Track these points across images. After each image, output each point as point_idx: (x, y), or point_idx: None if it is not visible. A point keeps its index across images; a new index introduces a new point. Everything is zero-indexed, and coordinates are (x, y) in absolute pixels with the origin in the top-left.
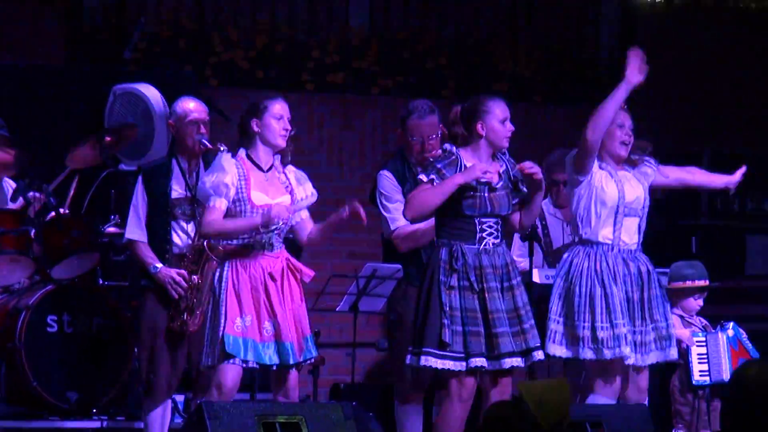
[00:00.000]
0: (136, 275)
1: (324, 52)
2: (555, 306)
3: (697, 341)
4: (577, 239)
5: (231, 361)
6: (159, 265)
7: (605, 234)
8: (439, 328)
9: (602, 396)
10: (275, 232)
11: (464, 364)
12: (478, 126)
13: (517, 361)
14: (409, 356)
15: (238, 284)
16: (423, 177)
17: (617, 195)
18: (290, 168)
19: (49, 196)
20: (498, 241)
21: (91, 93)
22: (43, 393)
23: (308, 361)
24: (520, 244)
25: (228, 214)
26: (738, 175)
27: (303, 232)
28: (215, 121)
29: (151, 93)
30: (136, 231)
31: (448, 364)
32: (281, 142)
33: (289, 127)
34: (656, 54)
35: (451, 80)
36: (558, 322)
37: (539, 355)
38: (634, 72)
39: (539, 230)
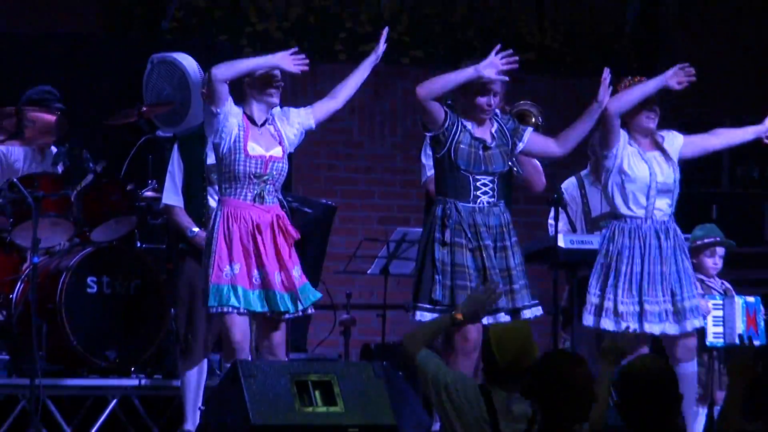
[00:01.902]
0: (173, 239)
1: (356, 23)
2: (592, 279)
3: (714, 304)
4: (610, 214)
5: (227, 309)
6: (196, 229)
7: (637, 209)
8: (431, 284)
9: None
10: (269, 184)
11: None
12: (461, 94)
13: (504, 319)
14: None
15: (229, 233)
16: None
17: (648, 174)
18: (276, 111)
19: (88, 161)
20: (494, 200)
21: (130, 62)
22: (83, 352)
23: (308, 309)
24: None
25: (222, 161)
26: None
27: (325, 112)
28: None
29: (187, 62)
30: (172, 196)
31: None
32: (274, 100)
33: (282, 84)
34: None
35: (478, 51)
36: (594, 295)
37: (528, 314)
38: (674, 79)
39: (579, 197)
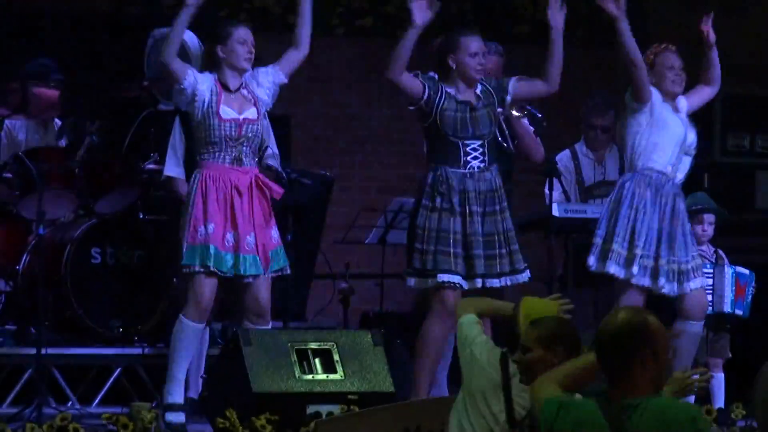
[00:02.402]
0: (175, 210)
1: None
2: (601, 224)
3: (705, 272)
4: (637, 167)
5: (197, 268)
6: None
7: (665, 165)
8: (412, 251)
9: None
10: (245, 146)
11: (431, 280)
12: (449, 60)
13: (493, 282)
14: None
15: (206, 194)
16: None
17: (682, 131)
18: (250, 72)
19: (92, 134)
20: (484, 165)
21: (132, 37)
22: (88, 321)
23: (277, 273)
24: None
25: (198, 128)
26: (708, 32)
27: (292, 62)
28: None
29: (188, 36)
30: (174, 168)
31: (422, 283)
32: (246, 65)
33: (253, 51)
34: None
35: (473, 24)
36: (600, 238)
37: (522, 278)
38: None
39: (573, 169)
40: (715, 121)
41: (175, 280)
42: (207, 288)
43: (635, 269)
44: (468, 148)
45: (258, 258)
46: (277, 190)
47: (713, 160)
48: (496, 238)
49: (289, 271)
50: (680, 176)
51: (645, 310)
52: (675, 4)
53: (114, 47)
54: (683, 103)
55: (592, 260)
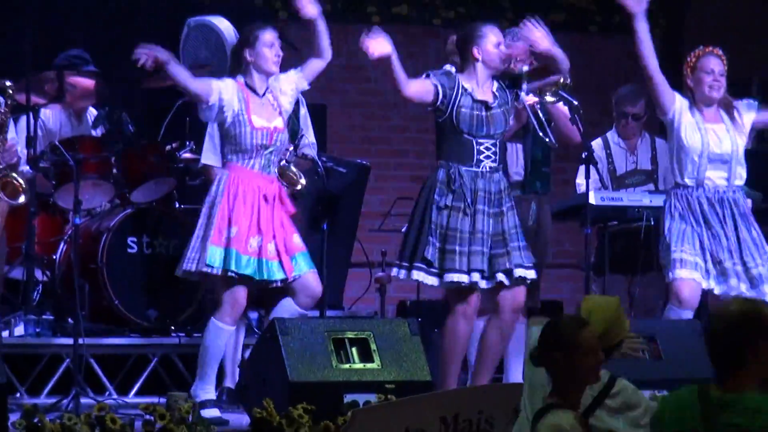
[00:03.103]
0: None
1: None
2: (674, 239)
3: None
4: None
5: (212, 270)
6: None
7: (688, 179)
8: (426, 245)
9: (677, 309)
10: (273, 154)
11: (472, 277)
12: (474, 50)
13: (501, 278)
14: (396, 269)
15: (233, 198)
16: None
17: (700, 145)
18: (271, 78)
19: (127, 124)
20: (495, 165)
21: (168, 26)
22: (124, 311)
23: (297, 278)
24: (584, 169)
25: (228, 134)
26: None
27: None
28: (284, 50)
29: (223, 25)
30: (211, 156)
31: (432, 281)
32: (274, 68)
33: (281, 53)
34: None
35: (509, 11)
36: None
37: (520, 273)
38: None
39: (605, 157)
40: None
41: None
42: (239, 293)
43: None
44: (481, 147)
45: (280, 263)
46: (290, 210)
47: (747, 148)
48: (503, 236)
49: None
50: (714, 184)
51: (759, 301)
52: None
53: (149, 36)
54: (749, 116)
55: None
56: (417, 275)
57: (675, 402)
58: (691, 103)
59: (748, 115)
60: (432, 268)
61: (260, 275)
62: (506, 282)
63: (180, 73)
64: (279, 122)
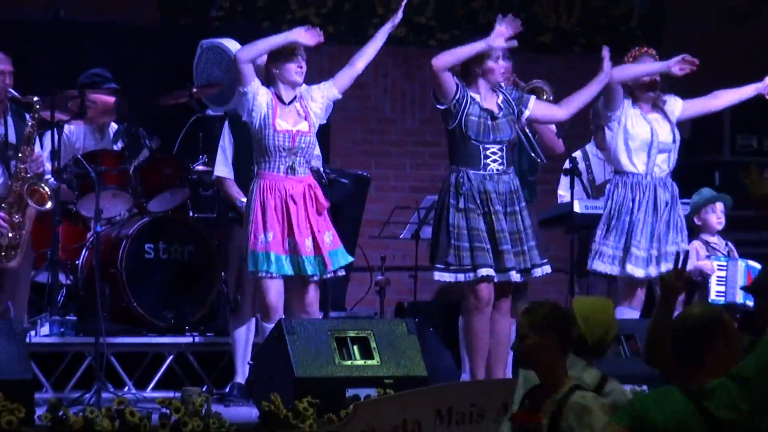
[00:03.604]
0: (223, 208)
1: (387, 9)
2: (599, 230)
3: (718, 265)
4: (614, 170)
5: (263, 274)
6: (244, 199)
7: (638, 165)
8: (447, 248)
9: (628, 308)
10: (299, 156)
11: (472, 274)
12: (475, 66)
13: (517, 277)
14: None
15: (264, 204)
16: None
17: (649, 133)
18: (302, 89)
19: (145, 138)
20: (503, 168)
21: (182, 47)
22: (142, 312)
23: (338, 271)
24: (566, 180)
25: (255, 137)
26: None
27: (347, 79)
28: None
29: (233, 46)
30: (223, 169)
31: (460, 278)
32: (298, 78)
33: (304, 67)
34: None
35: None
36: (599, 243)
37: (538, 272)
38: (677, 66)
39: (584, 168)
40: (724, 124)
41: (223, 274)
42: (273, 291)
43: (626, 266)
44: (488, 152)
45: (318, 258)
46: (324, 203)
47: (723, 160)
48: (518, 236)
49: (344, 273)
50: (660, 171)
51: (718, 306)
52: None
53: (165, 57)
54: (676, 104)
55: (590, 262)
56: (439, 276)
57: (661, 404)
58: (632, 100)
59: (676, 105)
60: (452, 267)
61: (300, 270)
62: (520, 280)
63: (266, 46)
64: (304, 126)
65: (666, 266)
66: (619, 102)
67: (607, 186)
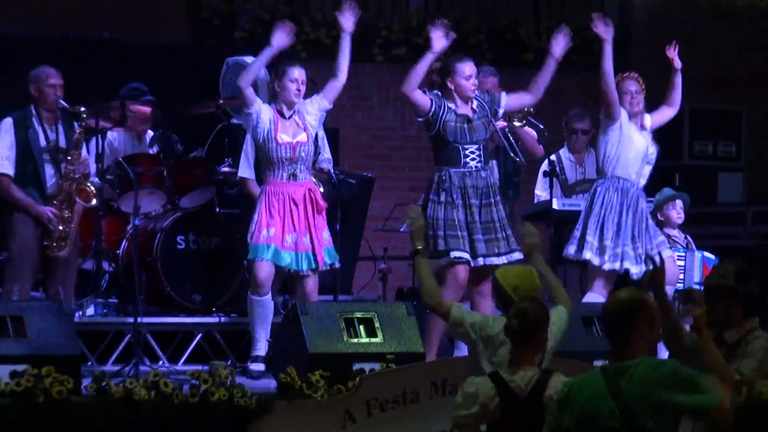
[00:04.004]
0: (246, 205)
1: (390, 31)
2: (579, 220)
3: (678, 255)
4: (606, 174)
5: (258, 258)
6: None
7: (630, 173)
8: (430, 238)
9: (598, 294)
10: (299, 163)
11: (451, 255)
12: (448, 81)
13: (491, 260)
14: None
15: (269, 204)
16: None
17: (645, 146)
18: (301, 102)
19: (176, 143)
20: (481, 165)
21: (210, 64)
22: (175, 296)
23: (330, 266)
24: (543, 180)
25: (261, 150)
26: (675, 60)
27: (333, 90)
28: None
29: None
30: (246, 170)
31: (434, 265)
32: (295, 99)
33: (302, 88)
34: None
35: (488, 52)
36: (578, 231)
37: (516, 255)
38: (601, 29)
39: (558, 170)
40: (683, 131)
41: (245, 262)
42: (263, 271)
43: (605, 257)
44: (467, 152)
45: (313, 254)
46: (323, 204)
47: (682, 163)
48: (493, 225)
49: (338, 266)
50: (643, 182)
51: (642, 291)
52: (655, 35)
53: (195, 72)
54: (648, 120)
55: (571, 250)
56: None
57: (582, 384)
58: (629, 117)
59: (647, 121)
60: (434, 254)
61: (295, 266)
62: (498, 263)
63: (258, 67)
64: (303, 137)
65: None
66: (618, 113)
67: (595, 185)
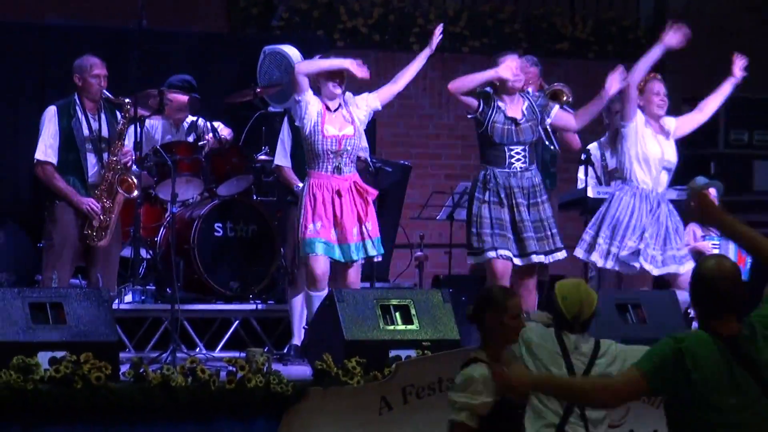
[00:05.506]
0: (282, 192)
1: (426, 20)
2: (592, 224)
3: (712, 244)
4: (621, 179)
5: (312, 254)
6: (300, 184)
7: (645, 180)
8: (471, 235)
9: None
10: (344, 157)
11: (494, 253)
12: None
13: (539, 258)
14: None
15: (314, 199)
16: None
17: (660, 153)
18: (348, 97)
19: (215, 131)
20: (526, 166)
21: (248, 53)
22: (212, 282)
23: (375, 257)
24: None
25: (306, 142)
26: (737, 70)
27: (388, 93)
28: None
29: (292, 52)
30: (282, 159)
31: (480, 260)
32: (338, 92)
33: (338, 85)
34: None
35: (524, 41)
36: (589, 235)
37: (561, 255)
38: (672, 40)
39: (599, 157)
40: (719, 120)
41: (282, 250)
42: (320, 266)
43: (611, 260)
44: (512, 152)
45: (362, 244)
46: (372, 192)
47: (718, 152)
48: (541, 224)
49: (381, 259)
50: (661, 189)
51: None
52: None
53: (233, 61)
54: (672, 124)
55: (580, 252)
56: (469, 259)
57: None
58: (646, 119)
59: (671, 125)
60: (478, 251)
61: (346, 256)
62: (545, 262)
63: (324, 65)
64: (349, 130)
65: (675, 267)
66: (634, 111)
67: (612, 190)
